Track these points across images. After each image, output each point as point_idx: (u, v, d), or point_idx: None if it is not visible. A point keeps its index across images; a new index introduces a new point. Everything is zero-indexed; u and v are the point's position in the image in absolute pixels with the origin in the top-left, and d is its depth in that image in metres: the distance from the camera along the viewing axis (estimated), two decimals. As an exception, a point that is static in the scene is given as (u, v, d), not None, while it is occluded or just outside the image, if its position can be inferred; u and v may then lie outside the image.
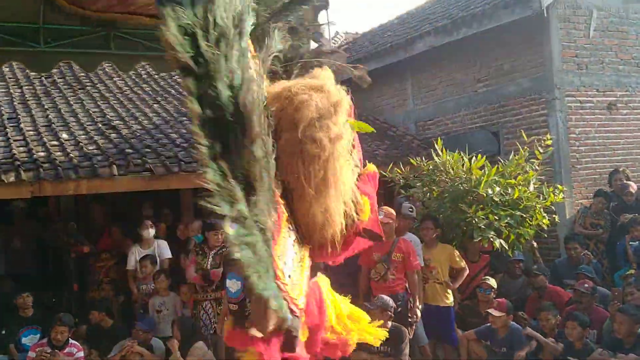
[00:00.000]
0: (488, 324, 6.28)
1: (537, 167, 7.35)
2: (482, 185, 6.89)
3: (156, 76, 11.91)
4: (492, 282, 6.78)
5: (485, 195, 6.90)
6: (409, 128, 10.95)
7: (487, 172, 7.06)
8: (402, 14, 13.72)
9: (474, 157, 7.33)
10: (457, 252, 6.89)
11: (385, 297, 5.84)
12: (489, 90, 9.49)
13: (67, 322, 6.07)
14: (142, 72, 12.01)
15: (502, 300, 6.29)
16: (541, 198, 7.21)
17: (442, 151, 7.50)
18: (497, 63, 9.33)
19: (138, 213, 8.62)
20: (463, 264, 6.87)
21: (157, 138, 8.52)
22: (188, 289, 6.87)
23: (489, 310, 6.14)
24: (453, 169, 7.32)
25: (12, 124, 8.49)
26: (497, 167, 7.25)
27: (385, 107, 11.59)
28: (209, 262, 6.57)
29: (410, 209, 6.76)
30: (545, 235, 7.71)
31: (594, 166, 8.82)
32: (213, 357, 6.32)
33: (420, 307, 6.44)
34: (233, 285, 5.81)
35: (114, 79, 11.52)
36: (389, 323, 5.72)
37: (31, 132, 8.21)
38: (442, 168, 7.41)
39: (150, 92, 11.05)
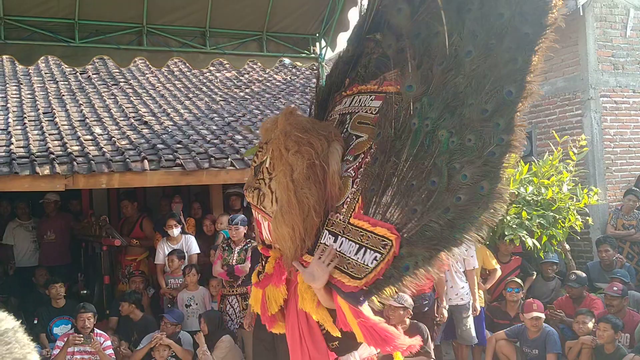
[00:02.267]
0: (519, 324, 6.20)
1: (571, 169, 7.24)
2: (512, 182, 6.82)
3: (188, 73, 12.03)
4: (519, 281, 6.73)
5: (517, 193, 6.82)
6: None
7: (519, 170, 6.99)
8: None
9: None
10: (490, 253, 6.84)
11: (406, 296, 5.82)
12: (522, 90, 9.35)
13: (90, 309, 6.14)
14: (175, 69, 12.15)
15: (537, 301, 6.16)
16: (574, 200, 7.10)
17: None
18: (530, 62, 9.18)
19: (168, 208, 8.72)
20: (496, 265, 6.82)
21: (189, 134, 8.60)
22: (217, 283, 6.93)
23: (533, 314, 5.99)
24: None
25: (47, 118, 8.66)
26: (531, 166, 7.17)
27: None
28: (234, 258, 6.60)
29: None
30: (578, 238, 7.59)
31: (629, 168, 8.66)
32: (240, 350, 6.37)
33: (478, 307, 6.45)
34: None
35: (147, 75, 11.67)
36: (407, 320, 5.71)
37: (66, 127, 8.36)
38: None
39: (182, 89, 11.16)
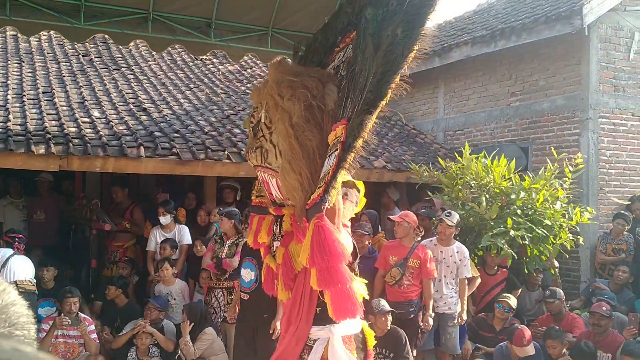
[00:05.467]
0: (502, 344, 6.16)
1: (566, 186, 7.27)
2: (497, 178, 6.88)
3: (191, 63, 12.01)
4: (513, 301, 6.63)
5: (505, 193, 6.88)
6: (437, 136, 10.89)
7: (508, 168, 7.09)
8: (440, 22, 13.65)
9: (497, 161, 7.34)
10: (471, 261, 6.87)
11: (383, 302, 5.84)
12: (522, 105, 9.40)
13: (77, 294, 6.12)
14: (177, 58, 12.12)
15: (527, 332, 6.01)
16: (567, 217, 7.13)
17: (467, 154, 7.52)
18: (532, 78, 9.23)
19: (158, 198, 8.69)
20: (476, 274, 6.83)
21: (187, 124, 8.59)
22: (206, 275, 6.92)
23: (521, 355, 5.90)
24: (478, 170, 7.31)
25: (46, 98, 8.62)
26: (524, 179, 7.25)
27: (416, 113, 11.54)
28: (224, 252, 6.59)
29: (448, 214, 6.64)
30: (567, 256, 7.61)
31: (623, 190, 8.68)
32: (222, 343, 6.36)
33: (464, 317, 6.49)
34: (247, 274, 5.88)
35: (149, 62, 11.64)
36: (388, 325, 5.74)
37: (64, 107, 8.33)
38: (466, 170, 7.41)
39: (183, 79, 11.14)
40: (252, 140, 3.26)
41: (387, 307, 5.73)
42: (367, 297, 3.13)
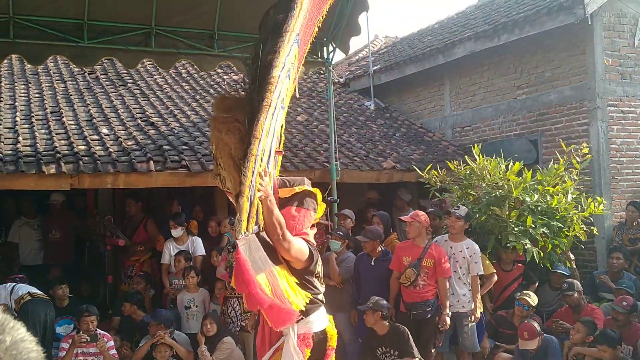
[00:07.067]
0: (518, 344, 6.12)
1: (575, 177, 7.22)
2: (515, 189, 6.82)
3: (196, 75, 12.07)
4: (533, 299, 6.52)
5: (521, 199, 6.82)
6: (445, 134, 10.86)
7: (524, 177, 6.99)
8: (443, 19, 13.64)
9: (511, 163, 7.27)
10: (486, 258, 6.82)
11: (377, 298, 5.84)
12: (529, 98, 9.35)
13: (94, 312, 6.15)
14: (183, 70, 12.18)
15: (530, 327, 5.94)
16: (579, 209, 7.08)
17: (479, 156, 7.44)
18: (538, 70, 9.19)
19: (171, 209, 8.72)
20: (492, 270, 6.78)
21: (195, 136, 8.62)
22: (221, 285, 6.93)
23: (520, 347, 5.92)
24: (490, 174, 7.25)
25: (54, 118, 8.69)
26: (535, 174, 7.19)
27: (422, 111, 11.51)
28: (237, 261, 6.59)
29: (456, 208, 6.67)
30: (583, 247, 7.56)
31: (635, 178, 8.62)
32: (240, 352, 6.36)
33: (478, 314, 6.44)
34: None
35: (155, 76, 11.70)
36: (386, 323, 5.72)
37: (73, 126, 8.39)
38: (479, 173, 7.35)
39: (189, 91, 11.19)
40: (215, 167, 3.65)
41: (369, 304, 5.76)
42: (302, 307, 3.31)
